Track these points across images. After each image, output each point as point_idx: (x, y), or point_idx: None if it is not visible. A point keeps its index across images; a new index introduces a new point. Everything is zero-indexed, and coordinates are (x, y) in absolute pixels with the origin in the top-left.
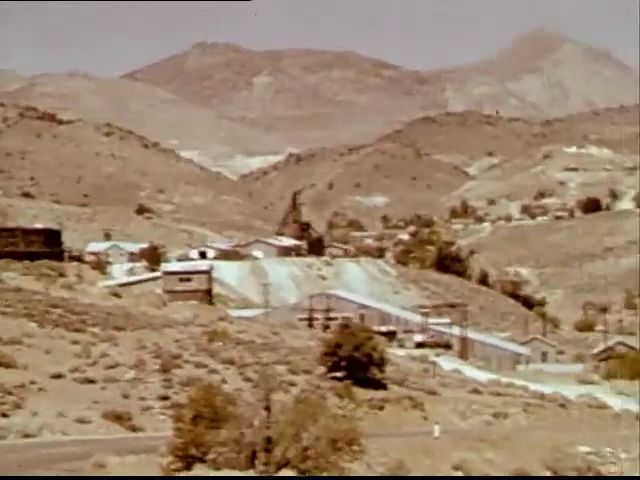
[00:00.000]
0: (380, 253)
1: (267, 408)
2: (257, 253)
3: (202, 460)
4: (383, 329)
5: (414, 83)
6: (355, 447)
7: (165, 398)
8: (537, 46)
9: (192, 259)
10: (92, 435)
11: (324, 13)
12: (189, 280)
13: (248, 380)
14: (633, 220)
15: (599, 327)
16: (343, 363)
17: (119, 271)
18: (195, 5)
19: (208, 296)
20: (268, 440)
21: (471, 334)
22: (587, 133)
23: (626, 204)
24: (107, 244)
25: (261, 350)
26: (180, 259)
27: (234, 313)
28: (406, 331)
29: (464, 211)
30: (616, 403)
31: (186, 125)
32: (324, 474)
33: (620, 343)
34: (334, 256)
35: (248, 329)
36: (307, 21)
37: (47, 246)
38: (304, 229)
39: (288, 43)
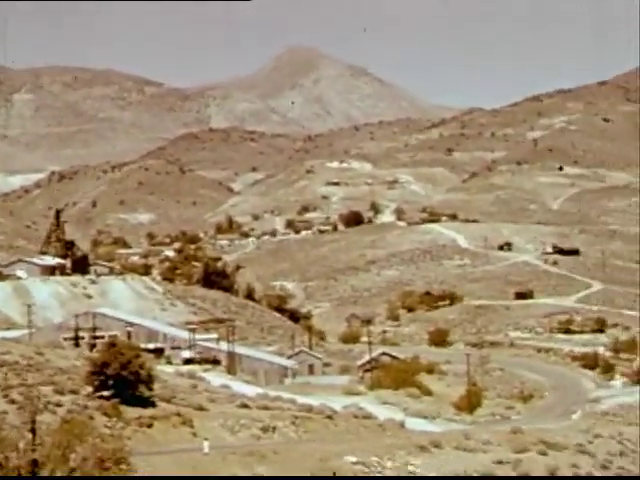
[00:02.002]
0: (146, 270)
1: (32, 430)
2: (20, 273)
3: None
4: (150, 346)
5: (177, 100)
6: (123, 466)
7: None
8: (297, 63)
9: None
10: None
11: (84, 30)
12: None
13: (13, 402)
14: (394, 233)
15: (364, 339)
16: (110, 382)
17: None
18: None
19: None
20: (34, 463)
21: (239, 349)
22: (348, 148)
23: (387, 217)
24: None
25: (26, 371)
26: None
27: None
28: (174, 348)
29: (229, 227)
30: (381, 413)
31: None
32: None
33: (384, 354)
34: (99, 274)
35: (12, 350)
36: (66, 38)
37: None
38: (68, 247)
39: (47, 60)
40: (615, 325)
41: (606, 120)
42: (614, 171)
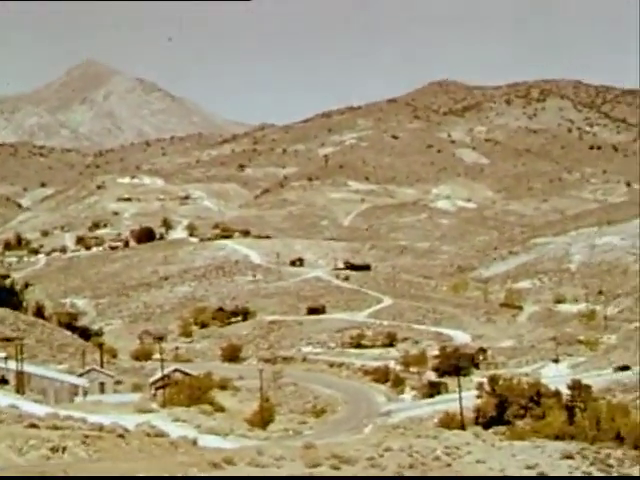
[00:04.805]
0: None
1: None
2: None
3: None
4: None
5: None
6: None
7: None
8: (87, 77)
9: None
10: None
11: None
12: None
13: None
14: (187, 249)
15: (156, 355)
16: None
17: None
18: None
19: None
20: None
21: (27, 368)
22: (139, 163)
23: (179, 233)
24: None
25: None
26: None
27: None
28: None
29: (18, 243)
30: (173, 430)
31: None
32: None
33: (177, 370)
34: None
35: None
36: None
37: None
38: None
39: None
40: (405, 339)
41: (395, 137)
42: (403, 187)
